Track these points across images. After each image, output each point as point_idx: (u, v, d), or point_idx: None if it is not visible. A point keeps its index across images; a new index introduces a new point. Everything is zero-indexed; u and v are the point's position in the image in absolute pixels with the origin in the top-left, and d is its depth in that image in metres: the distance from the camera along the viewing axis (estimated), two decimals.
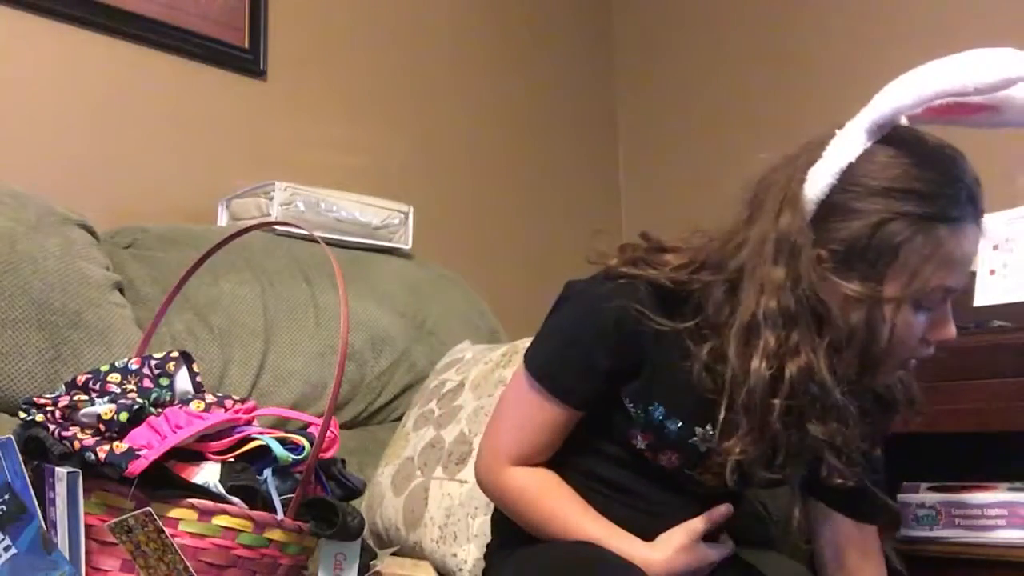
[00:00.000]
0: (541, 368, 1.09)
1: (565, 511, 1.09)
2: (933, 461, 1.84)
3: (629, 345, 1.04)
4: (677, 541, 1.07)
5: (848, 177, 0.95)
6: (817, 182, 0.96)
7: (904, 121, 0.99)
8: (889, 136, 0.96)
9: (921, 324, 0.98)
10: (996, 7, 2.31)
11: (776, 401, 0.97)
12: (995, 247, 1.91)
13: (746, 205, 1.03)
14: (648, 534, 1.09)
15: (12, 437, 0.94)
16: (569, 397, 1.08)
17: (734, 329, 0.99)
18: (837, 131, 0.98)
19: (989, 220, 1.92)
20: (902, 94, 0.93)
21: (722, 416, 1.00)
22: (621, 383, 1.07)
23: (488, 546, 1.26)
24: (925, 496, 1.56)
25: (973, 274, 1.91)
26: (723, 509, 1.10)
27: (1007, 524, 1.49)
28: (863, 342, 0.96)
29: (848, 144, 0.96)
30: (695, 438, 1.08)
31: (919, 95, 0.92)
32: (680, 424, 1.07)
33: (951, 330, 1.00)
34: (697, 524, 1.08)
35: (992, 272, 1.89)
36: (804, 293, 0.95)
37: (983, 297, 1.88)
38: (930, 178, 0.95)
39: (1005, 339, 1.78)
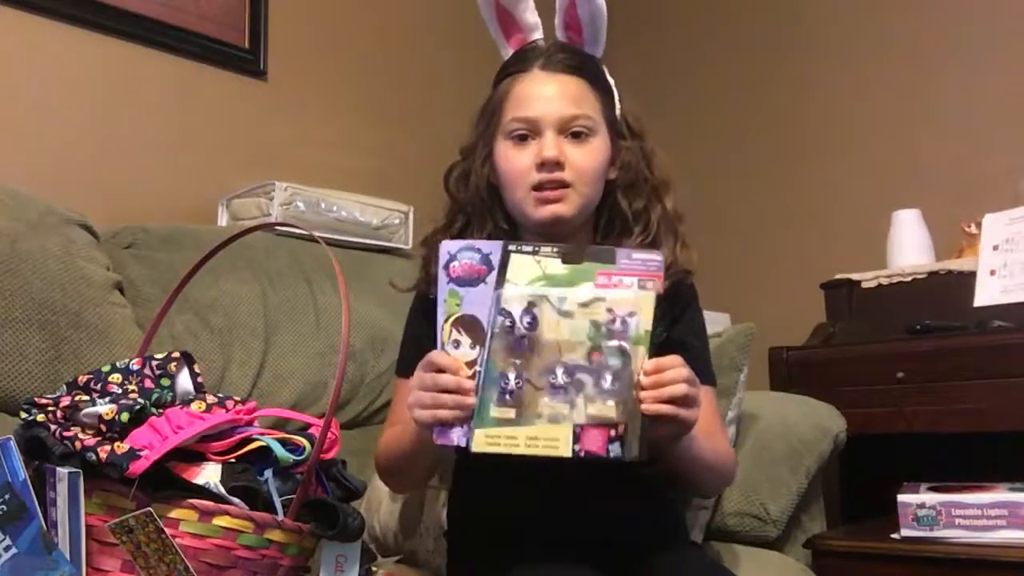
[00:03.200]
0: (399, 364, 1.28)
1: (394, 426, 1.20)
2: (933, 461, 1.85)
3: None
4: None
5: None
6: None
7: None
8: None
9: (527, 154, 1.19)
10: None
11: None
12: (995, 247, 1.91)
13: None
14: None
15: (13, 437, 0.94)
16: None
17: None
18: None
19: (989, 220, 1.93)
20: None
21: None
22: None
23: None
24: (925, 496, 1.56)
25: (973, 274, 1.91)
26: None
27: (1007, 524, 1.49)
28: (500, 186, 1.23)
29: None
30: None
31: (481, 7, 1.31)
32: None
33: (546, 152, 1.18)
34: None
35: (992, 272, 1.89)
36: (475, 176, 1.26)
37: (983, 297, 1.88)
38: (510, 55, 1.28)
39: (1005, 339, 1.78)
